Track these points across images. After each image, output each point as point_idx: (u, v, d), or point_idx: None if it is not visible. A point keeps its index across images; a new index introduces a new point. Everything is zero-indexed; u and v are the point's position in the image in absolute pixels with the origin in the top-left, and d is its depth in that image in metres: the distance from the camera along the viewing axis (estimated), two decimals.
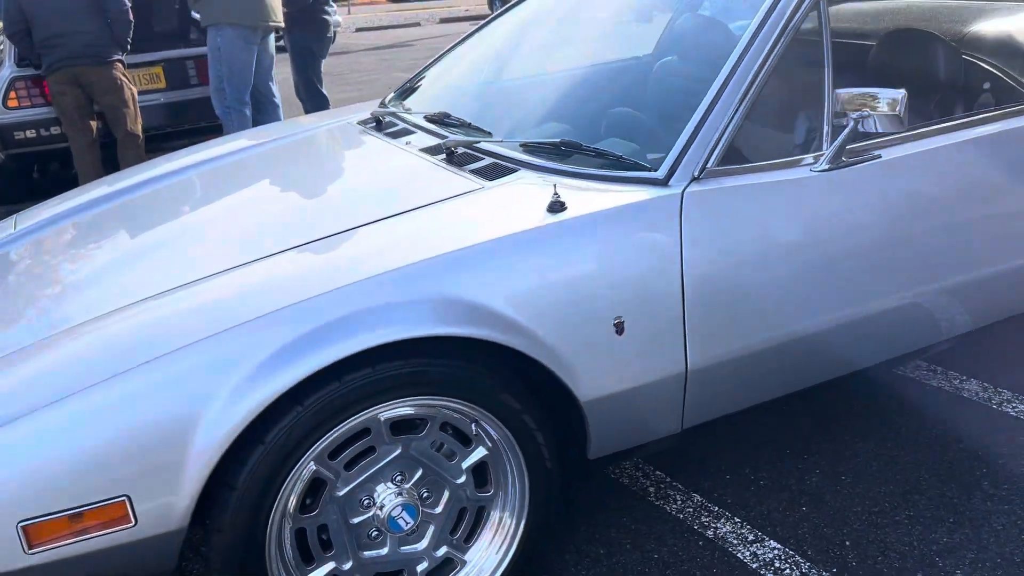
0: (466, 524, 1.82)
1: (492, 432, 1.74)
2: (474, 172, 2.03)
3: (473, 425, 1.72)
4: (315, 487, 1.64)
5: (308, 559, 1.68)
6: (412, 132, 2.44)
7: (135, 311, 1.67)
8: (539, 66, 2.77)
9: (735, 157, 1.88)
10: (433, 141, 2.30)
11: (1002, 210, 2.18)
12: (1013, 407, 2.49)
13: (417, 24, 19.43)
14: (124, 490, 1.44)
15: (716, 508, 2.16)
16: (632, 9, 2.72)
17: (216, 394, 1.46)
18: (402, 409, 1.64)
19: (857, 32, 2.99)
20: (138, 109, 5.03)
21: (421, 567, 1.78)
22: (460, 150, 2.16)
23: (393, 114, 2.64)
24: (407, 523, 1.71)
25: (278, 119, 5.15)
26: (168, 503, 1.46)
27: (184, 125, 5.58)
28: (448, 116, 2.39)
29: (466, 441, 1.76)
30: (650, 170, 1.85)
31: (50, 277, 2.00)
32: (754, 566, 1.96)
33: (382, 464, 1.69)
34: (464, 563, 1.82)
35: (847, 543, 2.01)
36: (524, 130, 2.31)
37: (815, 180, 1.90)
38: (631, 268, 1.74)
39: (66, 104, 4.84)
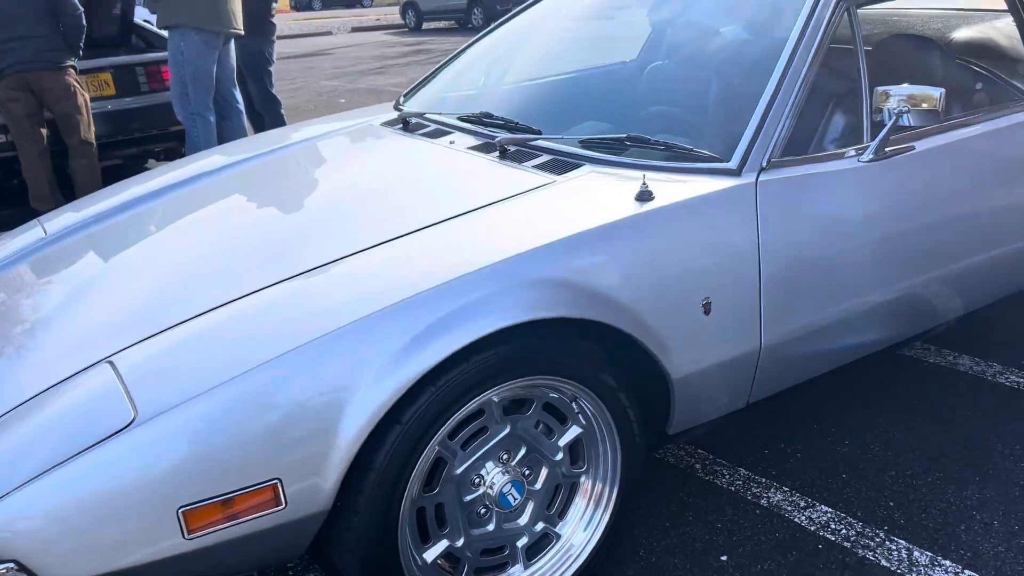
0: (560, 499, 1.91)
1: (589, 410, 1.83)
2: (538, 168, 2.12)
3: (573, 404, 1.82)
4: (433, 467, 1.70)
5: (424, 538, 1.74)
6: (448, 132, 2.51)
7: (277, 298, 1.70)
8: (568, 67, 2.88)
9: (789, 150, 2.04)
10: (476, 140, 2.38)
11: (1019, 192, 2.43)
12: (1006, 378, 2.74)
13: (329, 33, 19.28)
14: (276, 473, 1.47)
15: (764, 480, 2.31)
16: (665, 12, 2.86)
17: (361, 377, 1.51)
18: (515, 389, 1.73)
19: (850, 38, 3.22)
20: (91, 116, 4.91)
21: (521, 542, 1.86)
22: (512, 148, 2.25)
23: (420, 115, 2.71)
24: (515, 499, 1.79)
25: (242, 125, 5.10)
26: (316, 484, 1.51)
27: (135, 133, 5.46)
28: (490, 116, 2.47)
29: (562, 420, 1.85)
30: (722, 161, 1.98)
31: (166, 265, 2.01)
32: (812, 529, 2.11)
33: (493, 443, 1.77)
34: (559, 536, 1.90)
35: (891, 504, 2.19)
36: (566, 128, 2.41)
37: (863, 170, 2.08)
38: (715, 251, 1.87)
39: (17, 111, 4.69)
